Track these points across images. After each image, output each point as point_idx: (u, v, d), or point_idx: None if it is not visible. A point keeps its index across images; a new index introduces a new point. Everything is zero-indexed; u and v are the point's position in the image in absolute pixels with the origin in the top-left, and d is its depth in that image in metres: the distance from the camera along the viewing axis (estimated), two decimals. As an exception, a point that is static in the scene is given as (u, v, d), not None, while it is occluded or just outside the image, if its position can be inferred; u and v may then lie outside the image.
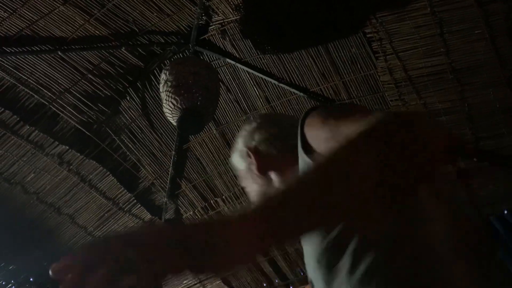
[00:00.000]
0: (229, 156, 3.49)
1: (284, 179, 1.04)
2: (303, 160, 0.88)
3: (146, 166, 3.41)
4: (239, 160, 1.20)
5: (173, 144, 3.28)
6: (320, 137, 0.84)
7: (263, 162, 1.10)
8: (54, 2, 2.48)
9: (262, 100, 3.07)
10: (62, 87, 2.86)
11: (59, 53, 2.67)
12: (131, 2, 2.58)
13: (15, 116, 2.88)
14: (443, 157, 0.67)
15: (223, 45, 2.87)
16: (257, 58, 2.88)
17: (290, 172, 1.03)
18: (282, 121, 1.19)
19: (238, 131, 1.25)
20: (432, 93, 2.81)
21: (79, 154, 3.17)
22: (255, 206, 0.56)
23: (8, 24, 2.51)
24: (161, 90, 2.51)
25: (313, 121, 0.88)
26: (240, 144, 1.19)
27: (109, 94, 2.99)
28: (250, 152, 1.14)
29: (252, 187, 1.16)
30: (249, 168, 1.15)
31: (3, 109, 2.83)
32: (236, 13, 2.67)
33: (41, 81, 2.79)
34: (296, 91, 2.95)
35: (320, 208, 0.58)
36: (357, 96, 2.93)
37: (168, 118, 2.51)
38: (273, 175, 1.09)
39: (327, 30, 2.68)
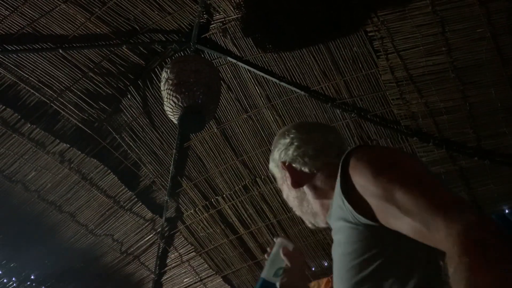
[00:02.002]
0: (229, 154, 3.50)
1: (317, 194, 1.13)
2: (341, 203, 0.93)
3: (147, 165, 3.41)
4: (275, 170, 1.28)
5: (174, 142, 3.28)
6: (368, 190, 0.87)
7: (297, 177, 1.15)
8: (55, 0, 2.48)
9: (263, 99, 3.07)
10: (63, 85, 2.86)
11: (60, 51, 2.67)
12: (132, 0, 2.58)
13: (16, 114, 2.89)
14: None
15: (224, 43, 2.86)
16: (258, 56, 2.87)
17: (322, 190, 1.11)
18: (315, 137, 1.19)
19: (273, 142, 1.29)
20: (433, 92, 2.80)
21: (80, 152, 3.17)
22: None
23: (9, 22, 2.51)
24: (162, 88, 2.51)
25: (360, 166, 0.90)
26: (276, 156, 1.26)
27: (110, 92, 2.99)
28: (284, 167, 1.20)
29: (289, 195, 1.23)
30: (285, 180, 1.21)
31: (4, 107, 2.84)
32: (237, 11, 2.67)
33: (42, 79, 2.80)
34: (297, 90, 2.95)
35: None
36: (358, 95, 2.92)
37: (169, 116, 2.51)
38: (306, 190, 1.15)
39: (329, 29, 2.68)
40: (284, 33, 2.72)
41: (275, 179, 1.32)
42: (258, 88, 3.03)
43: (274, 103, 3.08)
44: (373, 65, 2.78)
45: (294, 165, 1.16)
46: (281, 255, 1.33)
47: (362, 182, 0.88)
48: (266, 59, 2.88)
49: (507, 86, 2.69)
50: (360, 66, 2.81)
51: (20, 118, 2.91)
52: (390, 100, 2.89)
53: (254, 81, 3.01)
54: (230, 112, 3.19)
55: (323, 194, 1.10)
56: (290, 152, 1.18)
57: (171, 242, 3.87)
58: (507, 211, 3.15)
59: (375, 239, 0.87)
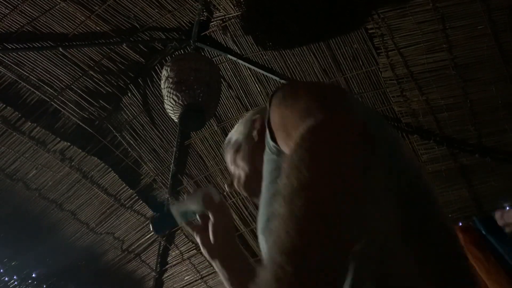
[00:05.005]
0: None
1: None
2: (268, 142, 0.89)
3: (148, 163, 3.41)
4: (239, 135, 1.21)
5: (174, 140, 3.28)
6: (275, 120, 0.86)
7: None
8: (55, -2, 2.48)
9: (264, 96, 3.07)
10: (64, 83, 2.86)
11: (60, 49, 2.66)
12: (132, -2, 2.57)
13: (17, 113, 2.89)
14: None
15: (224, 41, 2.86)
16: (259, 54, 2.87)
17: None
18: None
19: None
20: (434, 89, 2.80)
21: (80, 150, 3.17)
22: None
23: (9, 21, 2.51)
24: (162, 86, 2.51)
25: (274, 103, 0.89)
26: (242, 126, 1.22)
27: (110, 90, 2.99)
28: (255, 121, 1.16)
29: (245, 167, 1.16)
30: (250, 135, 1.16)
31: (4, 105, 2.84)
32: (237, 9, 2.66)
33: (42, 78, 2.79)
34: (297, 87, 2.94)
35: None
36: (358, 92, 2.92)
37: (170, 114, 2.51)
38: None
39: (329, 26, 2.67)
40: (284, 31, 2.71)
41: (231, 160, 1.22)
42: (259, 86, 3.03)
43: (275, 101, 3.07)
44: (374, 62, 2.78)
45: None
46: (200, 200, 1.18)
47: (273, 115, 0.87)
48: (267, 56, 2.87)
49: (508, 83, 2.69)
50: (361, 63, 2.81)
51: (20, 116, 2.91)
52: (391, 97, 2.89)
53: (255, 78, 3.01)
54: (230, 110, 3.19)
55: None
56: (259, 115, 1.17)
57: (172, 240, 3.87)
58: (508, 208, 3.15)
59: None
